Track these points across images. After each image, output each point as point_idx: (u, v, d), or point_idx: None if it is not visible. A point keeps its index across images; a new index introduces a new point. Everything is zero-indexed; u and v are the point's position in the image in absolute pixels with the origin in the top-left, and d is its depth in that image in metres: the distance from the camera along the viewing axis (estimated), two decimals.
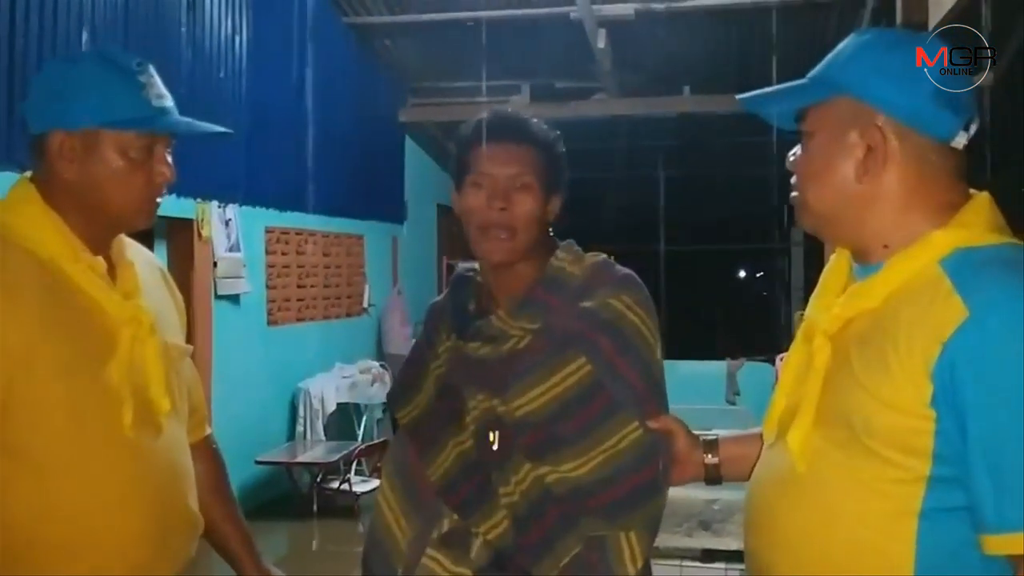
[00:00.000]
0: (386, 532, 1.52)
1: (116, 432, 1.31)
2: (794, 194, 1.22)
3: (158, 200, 1.41)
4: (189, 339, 1.58)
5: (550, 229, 1.53)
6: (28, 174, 1.40)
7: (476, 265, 1.56)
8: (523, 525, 1.41)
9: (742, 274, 13.28)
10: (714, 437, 1.49)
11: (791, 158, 1.22)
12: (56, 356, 1.27)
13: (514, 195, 1.44)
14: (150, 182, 1.37)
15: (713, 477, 1.49)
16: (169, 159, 1.39)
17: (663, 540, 1.52)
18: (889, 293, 1.10)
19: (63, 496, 1.28)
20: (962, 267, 1.06)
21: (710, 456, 1.47)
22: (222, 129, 1.53)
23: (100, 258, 1.36)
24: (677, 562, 2.29)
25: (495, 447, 1.44)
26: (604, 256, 1.54)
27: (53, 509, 1.28)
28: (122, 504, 1.32)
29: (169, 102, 1.39)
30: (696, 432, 1.51)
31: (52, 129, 1.32)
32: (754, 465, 1.30)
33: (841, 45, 1.19)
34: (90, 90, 1.32)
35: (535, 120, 1.52)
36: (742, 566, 2.21)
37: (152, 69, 1.38)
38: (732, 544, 2.31)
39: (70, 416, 1.28)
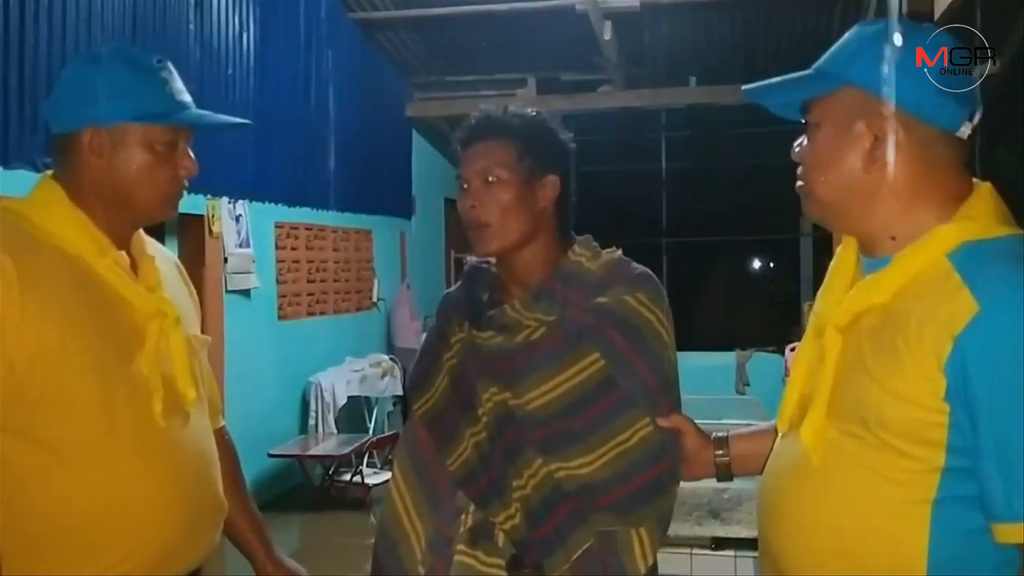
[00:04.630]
0: (398, 529, 1.53)
1: (148, 422, 1.34)
2: (800, 184, 1.23)
3: (181, 194, 1.45)
4: (201, 334, 1.62)
5: (563, 215, 1.52)
6: (50, 172, 1.43)
7: (490, 257, 1.58)
8: (535, 519, 1.42)
9: (751, 265, 13.26)
10: (724, 434, 1.49)
11: (796, 148, 1.23)
12: (87, 350, 1.30)
13: (484, 192, 1.47)
14: (174, 175, 1.42)
15: (724, 474, 1.49)
16: (191, 153, 1.44)
17: (673, 529, 1.53)
18: (898, 288, 1.11)
19: (98, 486, 1.32)
20: (970, 261, 1.07)
21: (721, 453, 1.47)
22: (241, 121, 1.59)
23: (123, 253, 1.40)
24: (687, 550, 2.30)
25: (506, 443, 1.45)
26: (621, 253, 1.56)
27: (88, 499, 1.31)
28: (156, 491, 1.36)
29: (188, 97, 1.44)
30: (707, 429, 1.51)
31: (83, 126, 1.36)
32: (767, 459, 1.31)
33: (846, 36, 1.19)
34: (118, 87, 1.37)
35: (519, 111, 1.53)
36: (752, 554, 2.23)
37: (171, 66, 1.43)
38: (742, 532, 2.32)
39: (102, 408, 1.31)
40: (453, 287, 1.66)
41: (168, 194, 1.43)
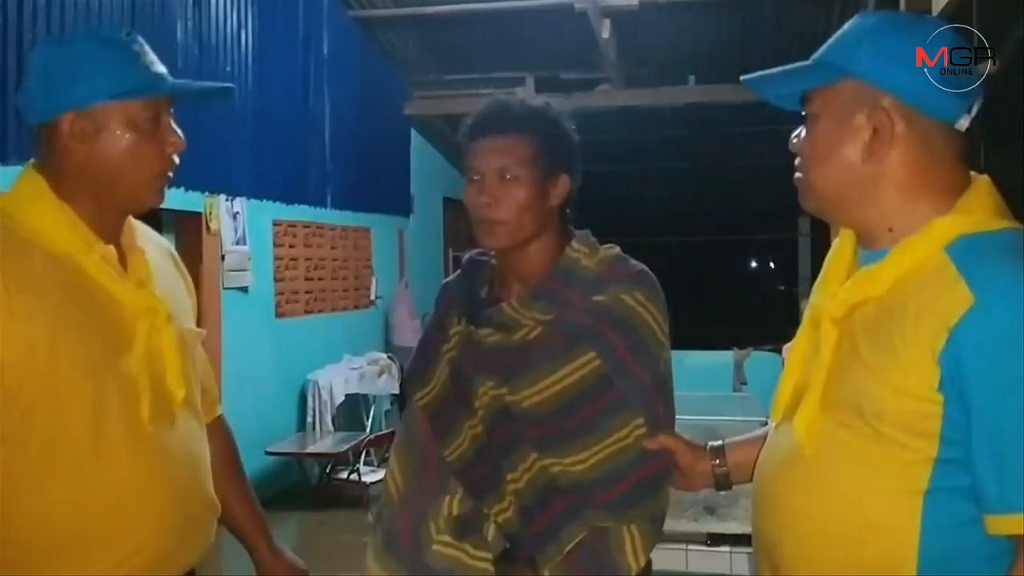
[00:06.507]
0: (389, 507, 1.54)
1: (136, 425, 1.30)
2: (798, 175, 1.23)
3: (169, 175, 1.38)
4: (197, 325, 1.58)
5: (565, 211, 1.52)
6: (32, 162, 1.36)
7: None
8: (529, 513, 1.43)
9: (749, 264, 13.27)
10: (720, 444, 1.49)
11: (794, 140, 1.23)
12: (77, 353, 1.26)
13: (500, 189, 1.45)
14: (162, 153, 1.35)
15: (723, 484, 1.49)
16: (176, 129, 1.38)
17: (668, 524, 1.52)
18: (895, 280, 1.11)
19: (88, 490, 1.28)
20: (967, 254, 1.07)
21: (718, 463, 1.47)
22: (223, 84, 1.55)
23: (112, 247, 1.35)
24: (683, 546, 2.31)
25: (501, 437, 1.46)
26: (619, 250, 1.55)
27: (78, 504, 1.28)
28: (145, 496, 1.32)
29: (163, 68, 1.37)
30: (700, 439, 1.50)
31: (61, 112, 1.30)
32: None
33: (846, 27, 1.19)
34: (91, 66, 1.30)
35: (533, 104, 1.51)
36: (747, 550, 2.23)
37: (141, 38, 1.37)
38: (737, 528, 2.33)
39: (92, 411, 1.27)
40: (452, 276, 1.65)
41: (157, 174, 1.36)
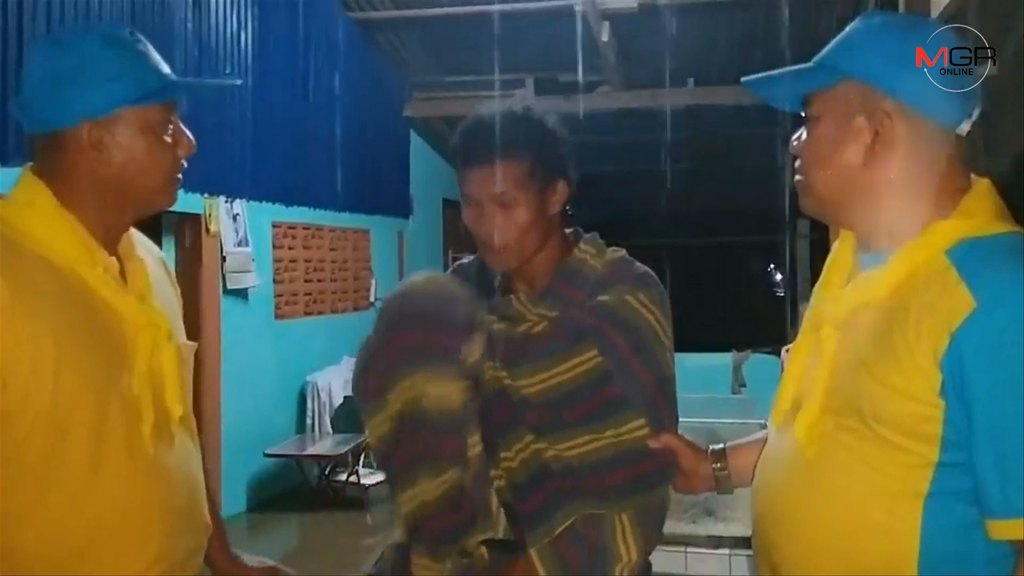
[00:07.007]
0: None
1: (137, 444, 1.26)
2: (798, 177, 1.23)
3: (179, 176, 1.35)
4: (198, 334, 1.55)
5: (566, 209, 1.52)
6: (31, 166, 1.30)
7: None
8: (521, 492, 1.44)
9: (749, 266, 13.27)
10: (722, 447, 1.49)
11: (795, 142, 1.23)
12: (79, 369, 1.21)
13: (500, 216, 1.45)
14: (174, 156, 1.32)
15: (724, 487, 1.49)
16: (187, 131, 1.34)
17: (668, 526, 1.52)
18: (897, 283, 1.11)
19: (86, 512, 1.23)
20: (968, 258, 1.07)
21: (719, 467, 1.47)
22: (231, 81, 1.57)
23: (114, 259, 1.30)
24: (682, 548, 2.31)
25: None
26: (625, 252, 1.56)
27: (76, 525, 1.23)
28: (147, 518, 1.28)
29: (167, 67, 1.33)
30: (702, 442, 1.50)
31: (78, 121, 1.25)
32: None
33: (848, 29, 1.19)
34: (103, 72, 1.25)
35: (518, 115, 1.48)
36: (747, 552, 2.24)
37: (142, 36, 1.32)
38: (737, 531, 2.33)
39: (94, 430, 1.22)
40: (467, 259, 1.65)
41: (171, 178, 1.32)
